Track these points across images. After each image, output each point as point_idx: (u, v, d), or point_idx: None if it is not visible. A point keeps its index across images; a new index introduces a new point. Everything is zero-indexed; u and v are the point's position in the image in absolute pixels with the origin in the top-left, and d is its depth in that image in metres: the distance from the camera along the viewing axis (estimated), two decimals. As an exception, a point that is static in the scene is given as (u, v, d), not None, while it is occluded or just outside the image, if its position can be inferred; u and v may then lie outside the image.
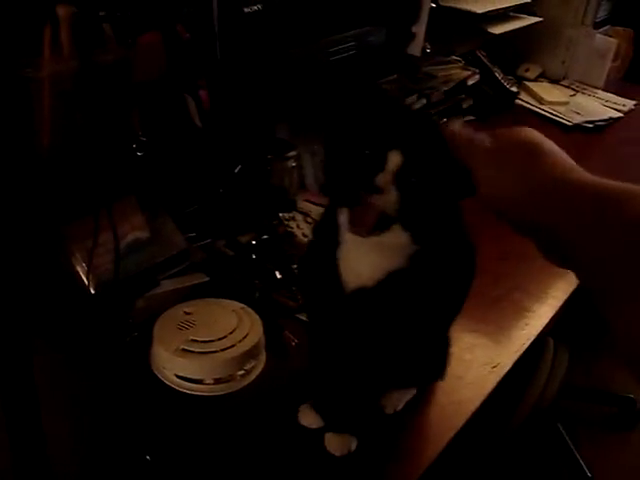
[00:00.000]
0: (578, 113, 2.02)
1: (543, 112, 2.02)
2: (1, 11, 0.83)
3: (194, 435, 0.88)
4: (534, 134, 0.59)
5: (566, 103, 2.08)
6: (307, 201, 1.33)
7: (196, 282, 1.09)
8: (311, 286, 0.81)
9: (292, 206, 1.30)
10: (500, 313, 1.16)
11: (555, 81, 2.23)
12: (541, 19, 1.99)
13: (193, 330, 0.97)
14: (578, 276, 0.55)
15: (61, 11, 0.86)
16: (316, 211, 1.26)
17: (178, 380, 0.94)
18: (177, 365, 0.93)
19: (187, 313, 1.00)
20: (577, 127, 1.96)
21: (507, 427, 1.19)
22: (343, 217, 0.68)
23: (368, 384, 0.84)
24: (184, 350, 0.94)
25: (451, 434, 0.91)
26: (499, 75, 1.99)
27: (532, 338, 1.11)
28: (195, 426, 0.89)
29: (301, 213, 1.28)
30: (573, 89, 2.20)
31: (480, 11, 1.64)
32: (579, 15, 2.15)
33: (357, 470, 0.85)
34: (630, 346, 0.48)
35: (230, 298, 1.05)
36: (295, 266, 1.12)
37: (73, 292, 1.03)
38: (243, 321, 0.99)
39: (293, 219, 1.27)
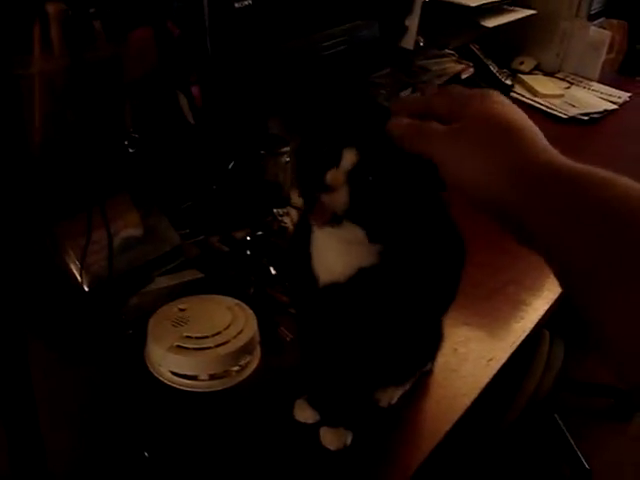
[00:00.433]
0: (573, 105, 2.02)
1: (538, 105, 2.02)
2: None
3: (190, 431, 0.88)
4: (505, 109, 0.56)
5: (561, 96, 2.08)
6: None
7: (190, 279, 1.09)
8: (292, 280, 0.81)
9: (286, 202, 1.30)
10: (495, 306, 1.16)
11: (550, 74, 2.23)
12: (535, 12, 1.99)
13: (187, 327, 0.96)
14: (548, 263, 0.52)
15: (51, 8, 0.86)
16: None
17: (173, 377, 0.93)
18: (172, 362, 0.93)
19: (181, 310, 1.00)
20: (572, 119, 1.96)
21: (503, 421, 1.19)
22: None
23: (358, 378, 0.84)
24: (178, 347, 0.93)
25: (446, 428, 0.92)
26: (493, 68, 1.99)
27: (528, 331, 1.11)
28: (191, 422, 0.89)
29: (295, 208, 1.28)
30: (568, 82, 2.20)
31: (474, 4, 1.64)
32: (573, 7, 2.14)
33: (353, 464, 0.85)
34: (612, 337, 0.47)
35: (225, 294, 1.04)
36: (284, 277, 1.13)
37: (67, 290, 1.03)
38: (237, 317, 0.98)
39: (287, 215, 1.26)
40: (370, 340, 0.77)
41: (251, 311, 1.00)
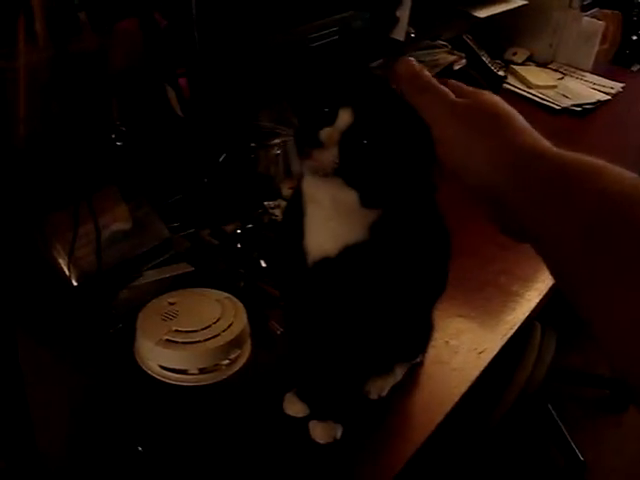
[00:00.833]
0: (566, 96, 2.02)
1: (531, 96, 2.01)
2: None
3: (181, 426, 0.88)
4: (498, 99, 0.56)
5: (554, 87, 2.07)
6: (292, 189, 1.31)
7: (180, 272, 1.08)
8: (281, 259, 0.81)
9: (277, 194, 1.29)
10: (487, 298, 1.16)
11: (543, 65, 2.22)
12: (526, 2, 1.98)
13: (177, 320, 0.96)
14: (538, 253, 0.52)
15: (35, 0, 0.85)
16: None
17: (162, 371, 0.93)
18: (161, 356, 0.93)
19: (171, 303, 0.99)
20: (565, 110, 1.95)
21: (494, 413, 1.19)
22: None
23: (347, 366, 0.84)
24: (168, 341, 0.93)
25: (438, 420, 0.91)
26: (486, 59, 1.98)
27: (519, 322, 1.11)
28: (182, 416, 0.89)
29: (286, 201, 1.27)
30: (561, 72, 2.19)
31: (465, -6, 1.63)
32: (566, -2, 2.14)
33: (343, 457, 0.85)
34: (609, 336, 0.47)
35: (215, 288, 1.04)
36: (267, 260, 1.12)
37: (56, 285, 1.02)
38: (227, 310, 0.98)
39: (278, 207, 1.26)
40: (359, 322, 0.77)
41: (241, 304, 1.00)
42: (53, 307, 1.02)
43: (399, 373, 0.95)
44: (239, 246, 1.17)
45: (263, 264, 1.13)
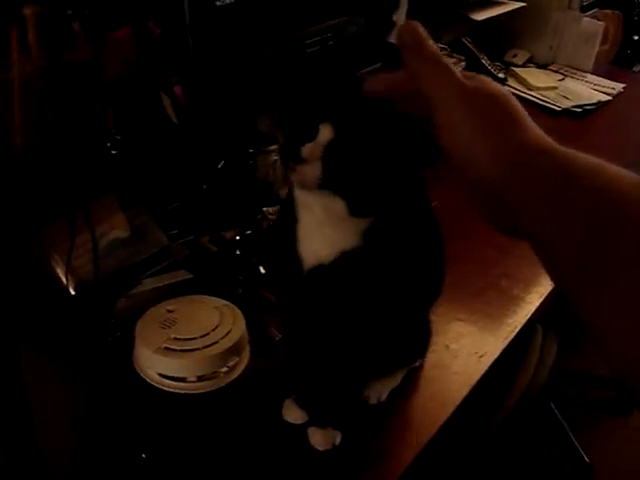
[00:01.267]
0: (567, 98, 2.01)
1: (532, 98, 2.00)
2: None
3: (181, 433, 0.88)
4: (505, 90, 0.54)
5: (555, 88, 2.07)
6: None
7: (179, 279, 1.08)
8: (276, 267, 0.81)
9: (276, 200, 1.29)
10: (487, 301, 1.15)
11: (543, 66, 2.21)
12: (524, 4, 1.98)
13: (175, 328, 0.96)
14: (536, 251, 0.50)
15: (28, 11, 0.85)
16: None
17: (161, 379, 0.93)
18: (159, 364, 0.93)
19: (169, 311, 0.99)
20: (566, 112, 1.94)
21: (496, 417, 1.19)
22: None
23: (345, 371, 0.83)
24: (166, 348, 0.93)
25: (438, 425, 0.91)
26: (486, 62, 1.98)
27: (520, 326, 1.10)
28: (181, 424, 0.89)
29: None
30: (561, 74, 2.19)
31: (461, -3, 1.63)
32: (565, -1, 2.13)
33: (343, 463, 0.85)
34: (608, 337, 0.46)
35: (214, 294, 1.04)
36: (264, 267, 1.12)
37: (55, 294, 1.03)
38: (225, 317, 0.98)
39: (277, 213, 1.25)
40: (355, 327, 0.77)
41: (239, 311, 1.00)
42: (52, 317, 1.02)
43: (398, 377, 0.95)
44: (238, 253, 1.17)
45: (262, 270, 1.13)
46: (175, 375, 0.92)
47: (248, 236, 1.20)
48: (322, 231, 0.70)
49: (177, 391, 0.92)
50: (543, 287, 1.19)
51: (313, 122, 0.63)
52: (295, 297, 0.79)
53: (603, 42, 2.26)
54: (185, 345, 0.93)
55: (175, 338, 0.94)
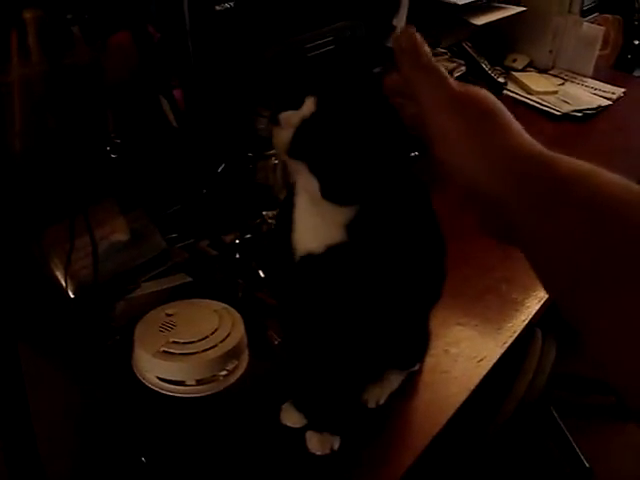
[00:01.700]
0: (567, 102, 2.01)
1: (532, 102, 2.00)
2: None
3: (179, 437, 0.88)
4: (492, 96, 0.55)
5: (555, 92, 2.07)
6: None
7: (178, 283, 1.08)
8: (273, 255, 0.82)
9: (276, 204, 1.29)
10: (486, 305, 1.15)
11: (543, 71, 2.21)
12: (525, 9, 1.98)
13: (174, 331, 0.96)
14: (528, 257, 0.51)
15: (27, 15, 0.85)
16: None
17: (160, 382, 0.93)
18: (158, 367, 0.93)
19: (169, 315, 0.99)
20: (566, 116, 1.94)
21: (494, 422, 1.18)
22: None
23: (341, 375, 0.83)
24: (165, 352, 0.93)
25: (437, 429, 0.91)
26: (486, 66, 1.98)
27: (519, 330, 1.10)
28: (180, 428, 0.89)
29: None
30: (562, 78, 2.19)
31: (461, 2, 1.63)
32: (565, 3, 2.13)
33: (341, 467, 0.85)
34: (600, 343, 0.46)
35: (213, 298, 1.04)
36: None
37: (54, 297, 1.03)
38: (224, 321, 0.98)
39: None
40: (346, 322, 0.77)
41: (238, 315, 1.00)
42: (51, 320, 1.02)
43: (397, 381, 0.94)
44: (237, 256, 1.17)
45: (261, 274, 1.13)
46: (174, 379, 0.92)
47: (248, 240, 1.19)
48: (311, 220, 0.71)
49: (176, 395, 0.92)
50: (542, 291, 1.18)
51: (302, 94, 0.65)
52: (289, 286, 0.79)
53: (603, 47, 2.26)
54: (184, 349, 0.93)
55: (174, 342, 0.94)
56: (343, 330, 0.77)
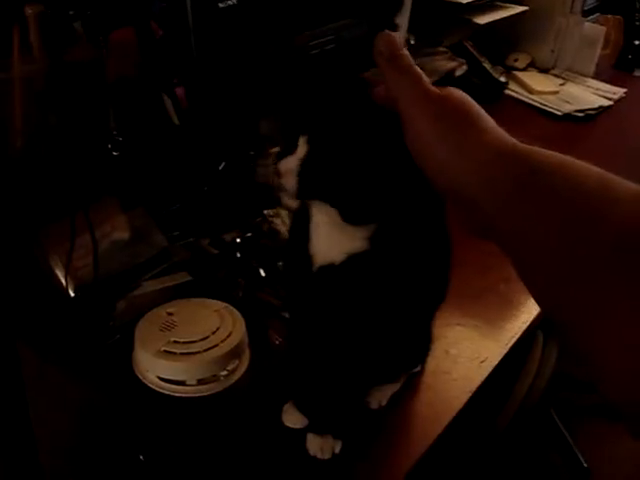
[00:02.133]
0: (568, 102, 2.01)
1: (533, 102, 2.00)
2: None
3: (180, 437, 0.87)
4: (467, 96, 0.55)
5: (556, 92, 2.06)
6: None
7: (179, 282, 1.08)
8: (289, 265, 0.81)
9: (277, 203, 1.28)
10: (487, 306, 1.15)
11: (544, 70, 2.21)
12: (527, 8, 1.98)
13: (175, 331, 0.95)
14: (511, 257, 0.50)
15: (29, 10, 0.85)
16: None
17: (161, 382, 0.92)
18: (159, 367, 0.92)
19: (169, 314, 0.99)
20: (567, 116, 1.94)
21: (494, 426, 1.18)
22: None
23: (349, 378, 0.83)
24: (166, 352, 0.92)
25: (438, 431, 0.90)
26: (487, 65, 1.97)
27: (521, 331, 1.10)
28: (181, 428, 0.88)
29: (286, 210, 1.27)
30: (563, 78, 2.18)
31: (465, 1, 1.62)
32: (567, 3, 2.13)
33: (341, 469, 0.84)
34: (579, 346, 0.45)
35: (214, 297, 1.03)
36: (280, 263, 1.11)
37: (54, 296, 1.02)
38: (225, 320, 0.97)
39: (278, 216, 1.25)
40: (361, 328, 0.76)
41: (239, 314, 0.99)
42: (51, 318, 1.01)
43: (398, 382, 0.94)
44: (238, 255, 1.16)
45: (262, 273, 1.12)
46: (174, 378, 0.92)
47: (248, 239, 1.19)
48: (331, 233, 0.70)
49: (176, 394, 0.91)
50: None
51: (295, 135, 0.64)
52: (304, 294, 0.79)
53: (604, 47, 2.26)
54: (185, 348, 0.93)
55: (175, 341, 0.93)
56: (355, 335, 0.76)
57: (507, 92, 2.02)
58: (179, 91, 1.07)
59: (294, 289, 0.82)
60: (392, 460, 0.86)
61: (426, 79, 0.56)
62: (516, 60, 2.19)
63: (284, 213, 1.25)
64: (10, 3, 0.84)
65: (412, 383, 0.97)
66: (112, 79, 0.99)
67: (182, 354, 0.92)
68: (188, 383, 0.92)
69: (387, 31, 0.58)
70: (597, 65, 2.23)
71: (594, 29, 2.19)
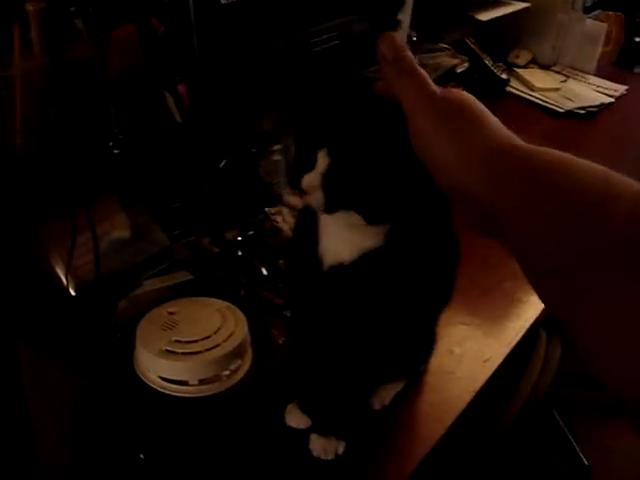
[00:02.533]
0: (569, 99, 2.00)
1: (534, 99, 1.99)
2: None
3: (182, 438, 0.86)
4: (468, 94, 0.55)
5: (557, 89, 2.06)
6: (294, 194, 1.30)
7: (180, 280, 1.07)
8: (294, 266, 0.80)
9: (278, 200, 1.28)
10: (491, 305, 1.14)
11: (546, 67, 2.20)
12: (529, 4, 1.97)
13: (176, 330, 0.95)
14: (510, 250, 0.50)
15: (30, 7, 0.84)
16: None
17: (162, 382, 0.92)
18: (160, 367, 0.91)
19: (171, 313, 0.98)
20: (569, 113, 1.93)
21: (498, 424, 1.18)
22: None
23: (353, 378, 0.82)
24: (167, 351, 0.92)
25: (441, 431, 0.90)
26: (489, 62, 1.97)
27: (524, 330, 1.09)
28: (183, 428, 0.88)
29: (288, 207, 1.26)
30: (564, 75, 2.18)
31: (467, -3, 1.62)
32: (569, 0, 2.12)
33: (345, 469, 0.84)
34: (587, 347, 0.45)
35: (216, 296, 1.03)
36: (282, 261, 1.11)
37: (54, 294, 1.01)
38: (227, 320, 0.97)
39: (279, 214, 1.24)
40: (369, 328, 0.75)
41: (241, 313, 0.99)
42: (52, 317, 1.01)
43: (401, 382, 0.94)
44: (240, 253, 1.15)
45: (264, 272, 1.12)
46: (176, 378, 0.91)
47: (250, 237, 1.18)
48: (343, 233, 0.70)
49: (178, 394, 0.91)
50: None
51: (312, 150, 0.63)
52: (311, 295, 0.78)
53: (605, 43, 2.26)
54: (186, 348, 0.92)
55: (176, 340, 0.93)
56: (362, 335, 0.76)
57: (508, 89, 2.02)
58: (181, 88, 1.07)
59: (298, 289, 0.82)
60: (396, 460, 0.86)
61: (430, 81, 0.56)
62: (517, 57, 2.19)
63: (286, 211, 1.25)
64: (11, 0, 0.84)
65: (416, 383, 0.96)
66: (113, 76, 0.98)
67: (184, 354, 0.92)
68: (190, 383, 0.91)
69: (389, 32, 0.58)
70: (598, 62, 2.22)
71: (595, 26, 2.18)
